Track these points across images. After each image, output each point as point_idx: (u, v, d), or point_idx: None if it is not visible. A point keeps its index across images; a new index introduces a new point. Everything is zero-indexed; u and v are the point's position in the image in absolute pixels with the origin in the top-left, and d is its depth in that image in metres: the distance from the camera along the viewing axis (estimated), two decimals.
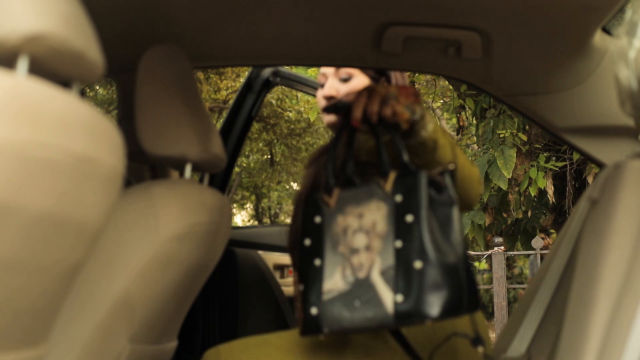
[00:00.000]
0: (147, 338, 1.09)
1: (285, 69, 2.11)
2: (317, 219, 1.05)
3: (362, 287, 0.98)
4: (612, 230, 0.80)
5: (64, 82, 0.69)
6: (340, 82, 1.41)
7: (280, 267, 2.15)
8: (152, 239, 1.00)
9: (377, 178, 1.02)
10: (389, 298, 0.95)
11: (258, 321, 1.91)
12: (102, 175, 0.70)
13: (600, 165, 1.45)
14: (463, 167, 1.18)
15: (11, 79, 0.58)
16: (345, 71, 1.41)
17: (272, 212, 11.70)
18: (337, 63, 1.40)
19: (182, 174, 1.14)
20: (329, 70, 1.43)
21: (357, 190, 1.04)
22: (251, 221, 11.63)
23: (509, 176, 4.20)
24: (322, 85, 1.44)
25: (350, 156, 1.10)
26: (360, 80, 1.40)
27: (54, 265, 0.68)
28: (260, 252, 2.08)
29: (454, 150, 1.19)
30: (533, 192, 4.29)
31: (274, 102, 7.45)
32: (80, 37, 0.67)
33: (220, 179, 2.00)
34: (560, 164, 4.28)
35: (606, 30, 1.31)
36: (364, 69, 1.40)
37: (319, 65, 1.50)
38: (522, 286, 5.98)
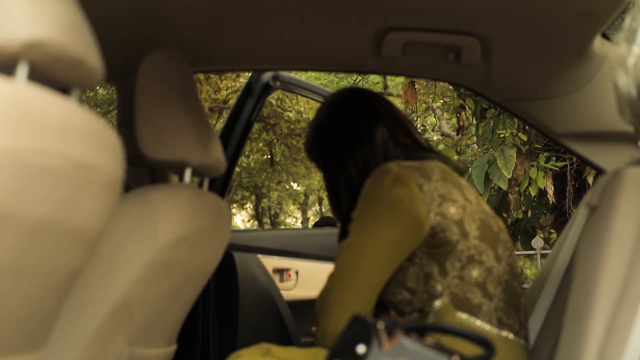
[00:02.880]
0: (146, 342, 1.09)
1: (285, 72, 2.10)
2: (361, 349, 0.83)
3: None
4: (610, 237, 0.80)
5: (64, 89, 0.69)
6: None
7: (280, 271, 2.15)
8: (151, 243, 1.00)
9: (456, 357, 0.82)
10: None
11: (257, 325, 1.90)
12: (101, 182, 0.70)
13: (599, 170, 1.44)
14: None
15: (10, 85, 0.58)
16: None
17: (272, 212, 11.70)
18: (338, 68, 1.39)
19: (181, 178, 1.14)
20: None
21: (422, 350, 0.82)
22: (251, 221, 11.62)
23: (509, 176, 4.19)
24: None
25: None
26: None
27: (52, 271, 0.68)
28: (259, 255, 2.08)
29: None
30: (533, 192, 4.28)
31: (274, 102, 7.44)
32: (79, 44, 0.66)
33: (220, 183, 1.99)
34: (560, 164, 4.27)
35: (606, 36, 1.31)
36: None
37: (319, 70, 1.50)
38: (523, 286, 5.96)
